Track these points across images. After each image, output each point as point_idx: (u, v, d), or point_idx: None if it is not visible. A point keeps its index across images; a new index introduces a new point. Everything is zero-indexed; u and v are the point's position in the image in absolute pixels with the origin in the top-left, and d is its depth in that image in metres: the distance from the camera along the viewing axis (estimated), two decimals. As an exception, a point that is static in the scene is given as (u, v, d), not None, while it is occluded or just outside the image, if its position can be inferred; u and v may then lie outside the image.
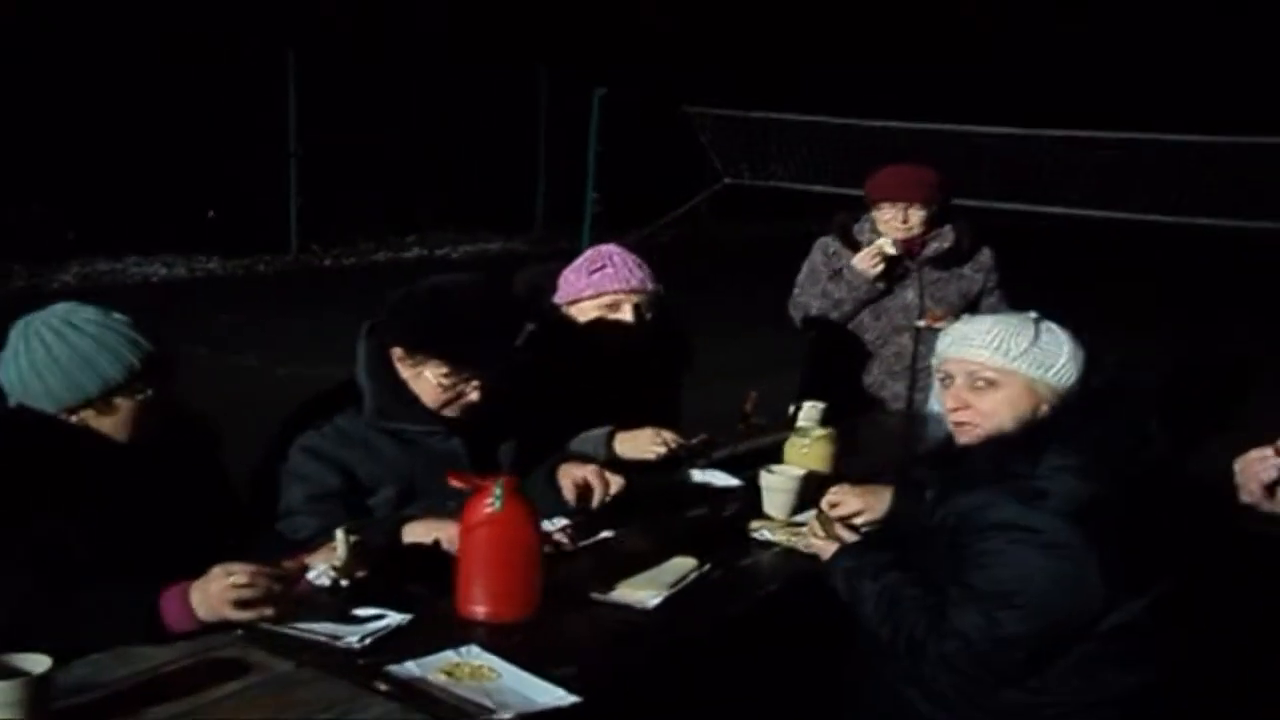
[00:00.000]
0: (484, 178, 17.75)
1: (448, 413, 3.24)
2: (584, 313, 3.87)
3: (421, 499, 3.24)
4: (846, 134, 17.41)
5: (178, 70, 14.45)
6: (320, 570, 2.71)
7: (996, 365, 2.84)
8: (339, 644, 2.50)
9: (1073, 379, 2.81)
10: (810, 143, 18.14)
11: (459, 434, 3.30)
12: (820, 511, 3.22)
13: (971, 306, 5.09)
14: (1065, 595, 2.61)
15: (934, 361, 3.02)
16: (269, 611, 2.47)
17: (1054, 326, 2.88)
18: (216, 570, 2.47)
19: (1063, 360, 2.82)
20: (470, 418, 3.26)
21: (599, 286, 3.83)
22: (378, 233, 16.90)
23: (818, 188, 17.15)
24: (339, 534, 2.70)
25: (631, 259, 3.88)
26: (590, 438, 3.73)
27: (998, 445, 2.79)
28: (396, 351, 3.23)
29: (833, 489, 3.32)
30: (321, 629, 2.55)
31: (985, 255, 5.19)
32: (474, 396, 3.20)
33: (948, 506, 2.76)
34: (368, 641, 2.51)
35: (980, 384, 2.86)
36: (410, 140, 17.19)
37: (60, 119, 13.61)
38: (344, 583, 2.71)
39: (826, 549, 3.02)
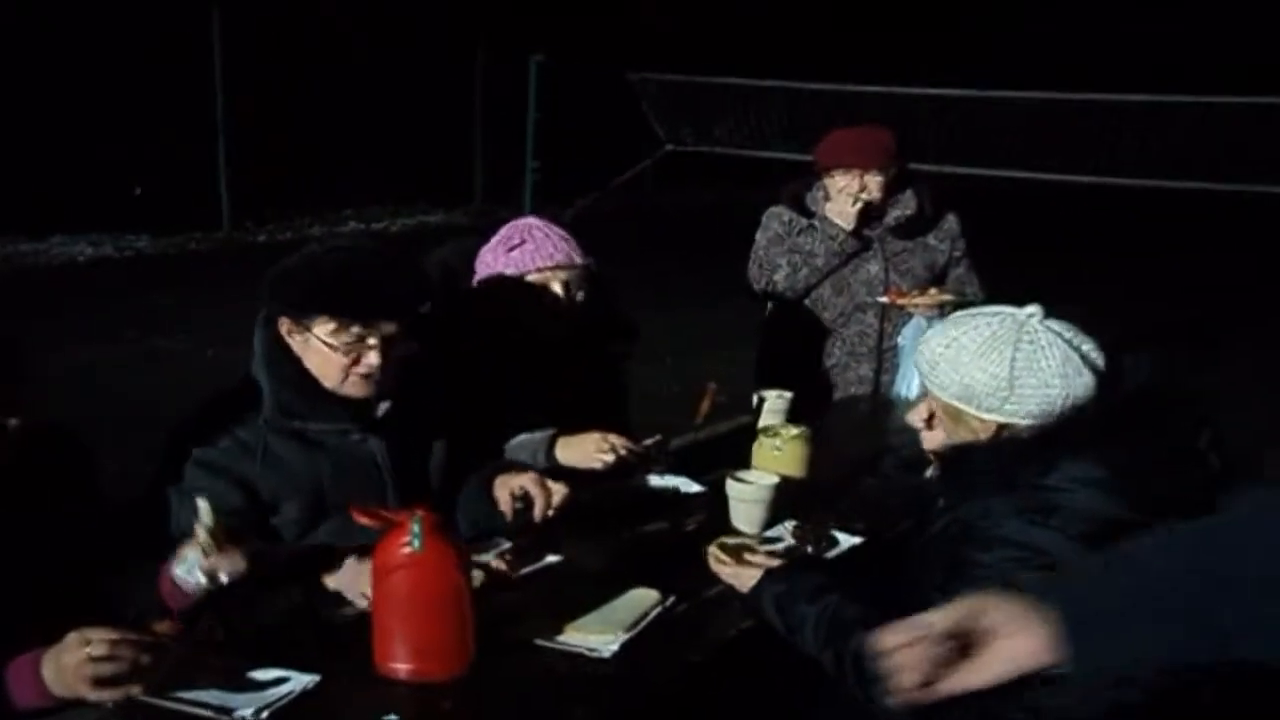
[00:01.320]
0: (420, 148, 17.18)
1: (352, 389, 2.82)
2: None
3: (333, 514, 2.83)
4: (792, 98, 17.00)
5: (99, 39, 13.81)
6: (189, 563, 2.29)
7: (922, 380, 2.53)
8: (230, 718, 2.07)
9: (1022, 412, 2.37)
10: (754, 108, 17.71)
11: (376, 434, 2.89)
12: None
13: (938, 279, 4.70)
14: None
15: None
16: (135, 690, 2.03)
17: (987, 339, 2.40)
18: (71, 638, 2.03)
19: (958, 385, 2.41)
20: (386, 410, 2.87)
21: (520, 265, 3.38)
22: (313, 207, 16.35)
23: (762, 153, 16.76)
24: (200, 502, 2.27)
25: (555, 231, 3.44)
26: (528, 443, 3.30)
27: (1006, 448, 2.40)
28: (284, 324, 2.82)
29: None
30: (209, 698, 2.13)
31: (950, 222, 4.78)
32: (373, 359, 2.77)
33: (952, 513, 2.40)
34: (265, 715, 2.09)
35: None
36: (343, 111, 16.57)
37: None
38: (222, 576, 2.29)
39: (742, 576, 2.65)
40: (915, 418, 2.57)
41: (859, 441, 4.12)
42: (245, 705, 2.10)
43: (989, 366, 2.37)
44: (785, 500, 3.06)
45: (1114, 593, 1.74)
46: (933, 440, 2.55)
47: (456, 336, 3.37)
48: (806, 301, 4.70)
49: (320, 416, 2.83)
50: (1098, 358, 2.40)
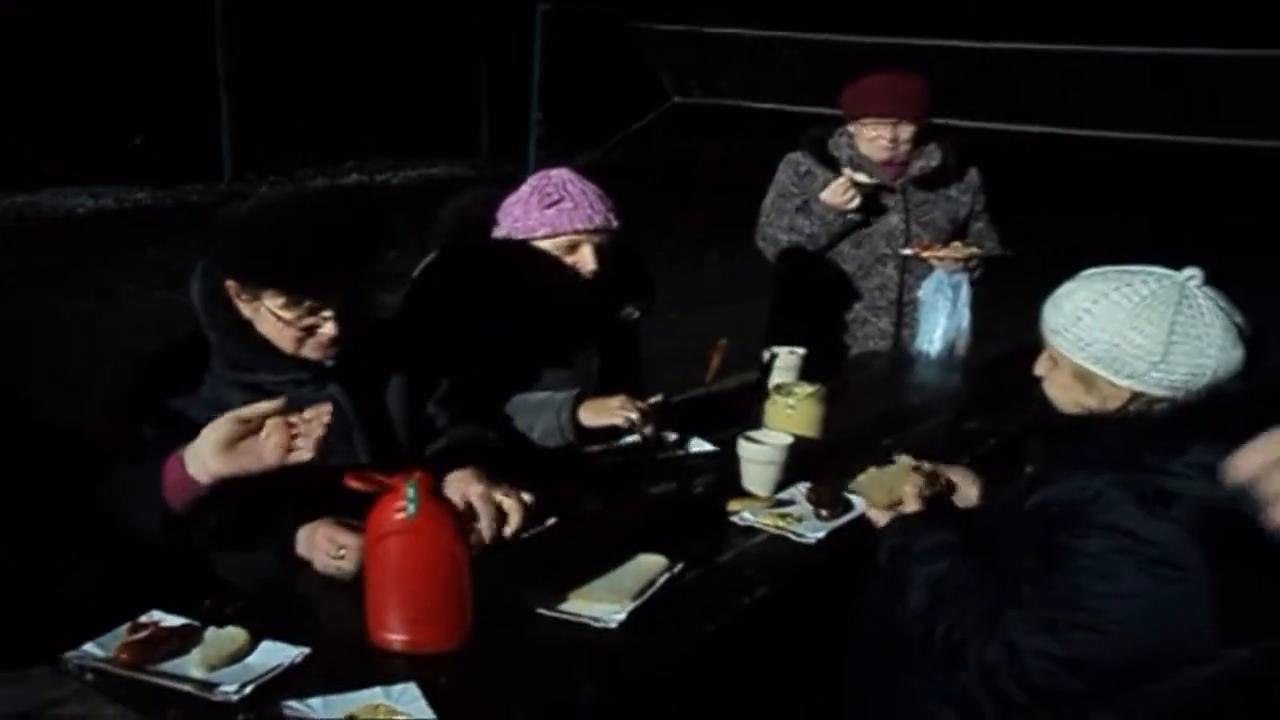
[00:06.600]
0: (424, 99, 16.99)
1: (309, 354, 2.62)
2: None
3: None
4: (799, 48, 16.75)
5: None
6: None
7: (1049, 339, 2.34)
8: (212, 696, 1.94)
9: (1165, 382, 2.20)
10: (761, 58, 17.45)
11: (334, 379, 2.69)
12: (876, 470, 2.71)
13: (959, 232, 4.55)
14: (1160, 629, 2.04)
15: None
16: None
17: (1132, 300, 2.23)
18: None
19: (1104, 345, 2.23)
20: (339, 356, 2.66)
21: (555, 225, 3.19)
22: (315, 159, 16.17)
23: (769, 105, 16.52)
24: None
25: (591, 190, 3.25)
26: (550, 401, 3.16)
27: (1137, 423, 2.24)
28: (231, 286, 2.59)
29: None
30: (192, 672, 2.00)
31: (972, 175, 4.64)
32: (329, 330, 2.56)
33: (1051, 490, 2.21)
34: (249, 689, 1.96)
35: (1051, 358, 2.37)
36: (346, 61, 16.37)
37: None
38: None
39: (880, 518, 2.57)
40: (1040, 369, 2.40)
41: (877, 399, 3.98)
42: (230, 680, 1.97)
43: (1145, 328, 2.20)
44: (798, 461, 2.93)
45: None
46: (1067, 401, 2.36)
47: (467, 289, 3.23)
48: (825, 255, 4.55)
49: (268, 368, 2.62)
50: (1249, 333, 2.21)
